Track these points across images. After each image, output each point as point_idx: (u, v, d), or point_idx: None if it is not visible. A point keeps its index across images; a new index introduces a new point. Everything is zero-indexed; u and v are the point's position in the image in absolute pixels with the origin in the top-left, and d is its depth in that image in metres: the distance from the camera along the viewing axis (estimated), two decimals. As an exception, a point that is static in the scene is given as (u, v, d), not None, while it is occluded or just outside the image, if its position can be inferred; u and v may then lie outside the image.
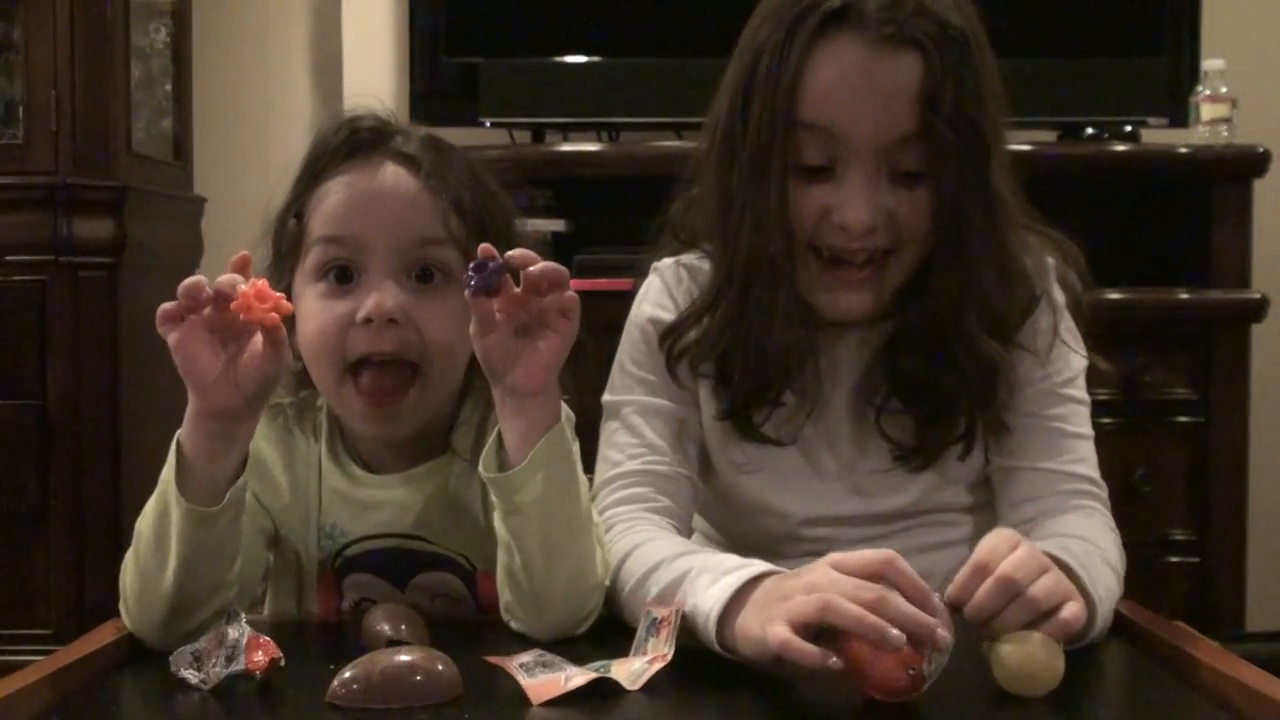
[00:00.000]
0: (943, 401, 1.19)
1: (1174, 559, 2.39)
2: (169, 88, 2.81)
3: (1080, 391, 1.25)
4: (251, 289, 0.98)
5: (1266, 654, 1.18)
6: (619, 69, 2.60)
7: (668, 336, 1.23)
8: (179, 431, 1.04)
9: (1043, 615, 0.93)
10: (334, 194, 1.16)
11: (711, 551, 1.07)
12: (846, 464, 1.24)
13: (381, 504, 1.20)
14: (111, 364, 2.47)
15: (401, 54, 2.76)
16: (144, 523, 1.06)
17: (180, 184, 2.82)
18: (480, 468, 1.06)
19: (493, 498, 1.07)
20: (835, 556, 0.92)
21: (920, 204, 1.13)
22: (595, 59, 2.62)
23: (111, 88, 2.51)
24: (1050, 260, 1.24)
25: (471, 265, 1.01)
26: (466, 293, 1.01)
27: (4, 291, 2.45)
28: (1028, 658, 0.90)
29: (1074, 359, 1.24)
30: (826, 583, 0.89)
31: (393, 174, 1.15)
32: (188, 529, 1.02)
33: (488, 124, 2.55)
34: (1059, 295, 1.24)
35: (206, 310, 1.01)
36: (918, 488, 1.23)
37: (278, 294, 0.99)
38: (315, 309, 1.14)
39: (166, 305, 1.02)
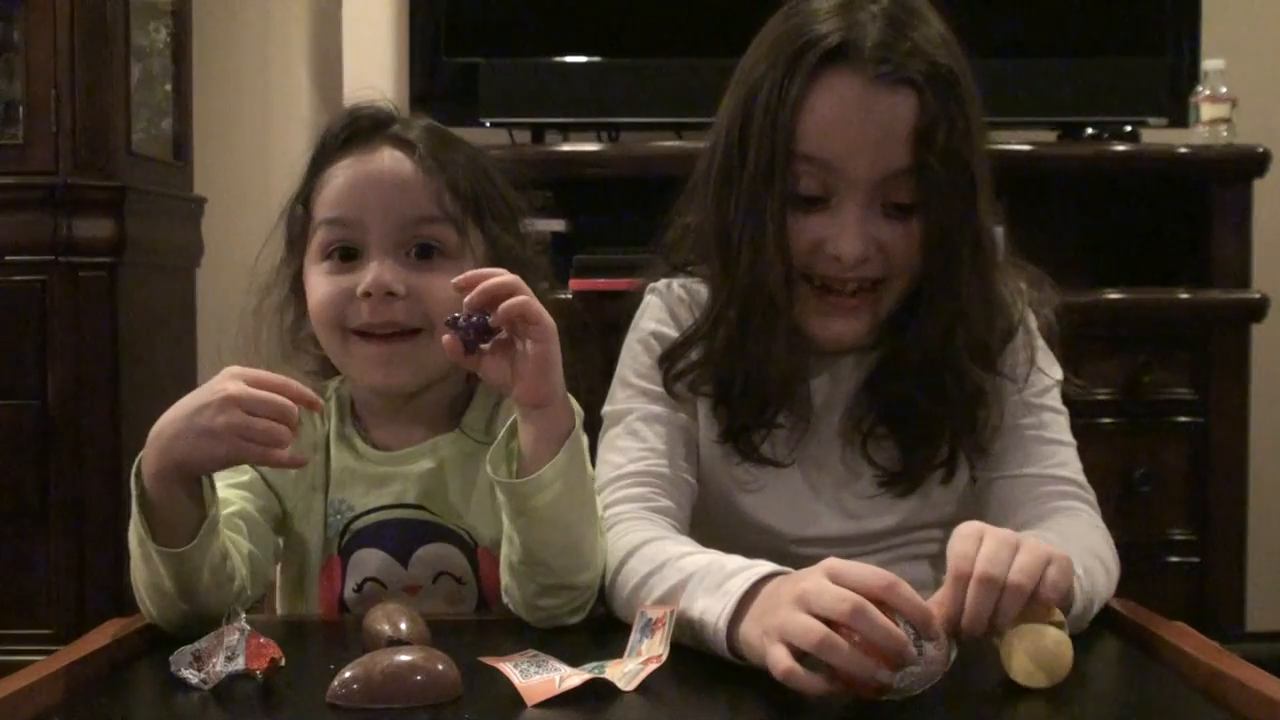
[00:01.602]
0: (927, 427, 1.22)
1: (1174, 559, 2.39)
2: (169, 88, 2.81)
3: (1055, 402, 1.27)
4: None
5: (1266, 654, 1.18)
6: (619, 69, 2.60)
7: (667, 358, 1.25)
8: (142, 485, 1.05)
9: (1032, 594, 0.93)
10: (335, 179, 1.22)
11: (713, 553, 1.07)
12: (836, 487, 1.26)
13: (388, 477, 1.24)
14: (111, 364, 2.47)
15: (401, 54, 2.76)
16: (132, 548, 1.08)
17: (180, 184, 2.82)
18: (488, 468, 1.08)
19: (500, 496, 1.08)
20: (835, 566, 0.91)
21: (911, 236, 1.17)
22: (595, 59, 2.62)
23: (111, 88, 2.51)
24: (1022, 285, 1.28)
25: (446, 321, 1.04)
26: (451, 346, 1.04)
27: (4, 291, 2.45)
28: (1038, 651, 0.90)
29: (1047, 374, 1.27)
30: (815, 592, 0.89)
31: (389, 157, 1.21)
32: (171, 565, 1.05)
33: (488, 124, 2.55)
34: (1031, 320, 1.28)
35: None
36: (903, 510, 1.25)
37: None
38: (320, 284, 1.21)
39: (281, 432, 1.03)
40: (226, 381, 1.04)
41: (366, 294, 1.17)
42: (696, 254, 1.28)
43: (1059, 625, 0.93)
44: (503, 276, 1.03)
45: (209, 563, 1.06)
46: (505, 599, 1.14)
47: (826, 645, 0.86)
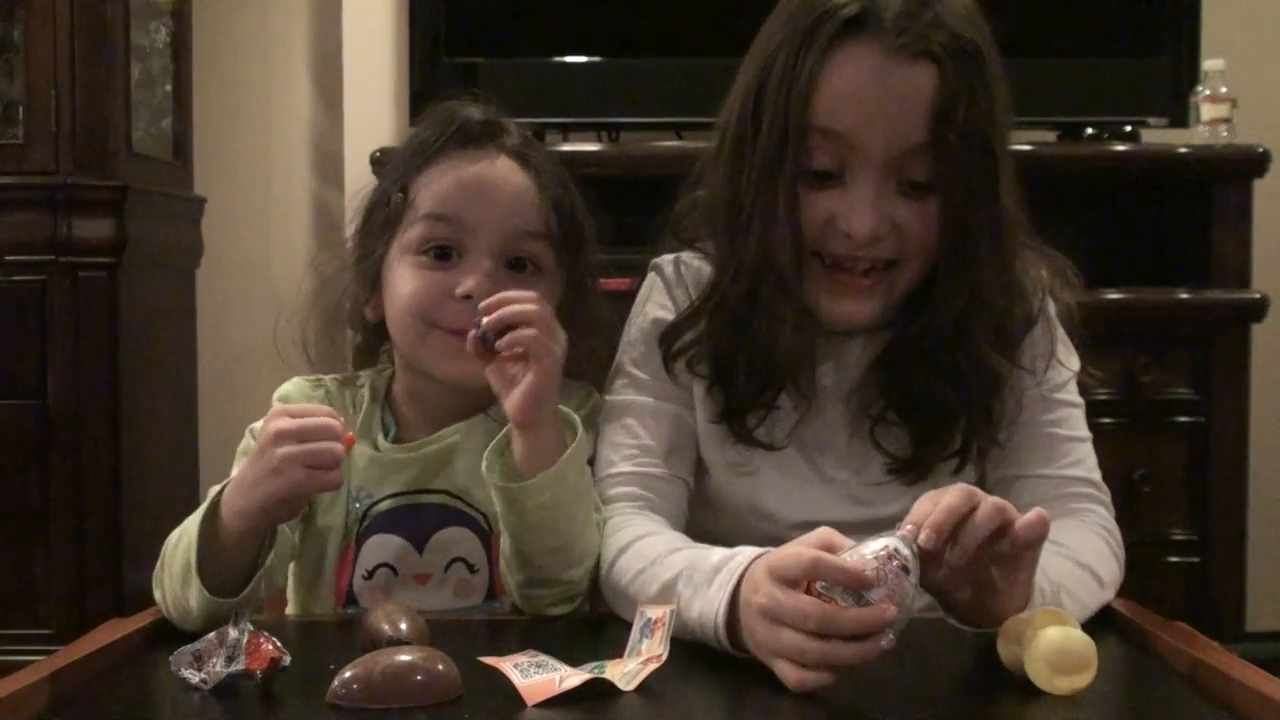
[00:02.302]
0: (941, 415, 1.20)
1: (1174, 559, 2.39)
2: (169, 88, 2.81)
3: (1073, 395, 1.26)
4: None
5: (1266, 654, 1.18)
6: (619, 69, 2.60)
7: (667, 336, 1.24)
8: (225, 503, 1.09)
9: (1005, 525, 0.94)
10: (446, 176, 1.22)
11: (696, 549, 1.08)
12: (840, 472, 1.24)
13: (408, 463, 1.25)
14: (111, 364, 2.46)
15: (401, 54, 2.76)
16: (172, 567, 1.10)
17: (180, 184, 2.81)
18: (484, 465, 1.11)
19: (491, 492, 1.11)
20: (773, 564, 0.92)
21: (927, 215, 1.14)
22: (595, 59, 2.62)
23: (111, 88, 2.50)
24: (1043, 273, 1.25)
25: (475, 321, 1.11)
26: (472, 344, 1.12)
27: (4, 291, 2.44)
28: (1055, 653, 0.90)
29: (1066, 363, 1.25)
30: (774, 607, 0.90)
31: (505, 166, 1.23)
32: (211, 606, 1.07)
33: (487, 124, 2.54)
34: (1051, 308, 1.25)
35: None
36: (911, 498, 1.23)
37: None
38: (412, 277, 1.21)
39: (314, 482, 1.08)
40: (273, 422, 1.07)
41: (466, 297, 1.18)
42: (705, 229, 1.26)
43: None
44: (522, 307, 1.10)
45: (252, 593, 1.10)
46: (503, 570, 1.18)
47: (828, 660, 0.88)
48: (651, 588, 1.07)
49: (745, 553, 1.00)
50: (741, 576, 0.97)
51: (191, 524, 1.10)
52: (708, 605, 0.98)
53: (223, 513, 1.09)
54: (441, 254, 1.21)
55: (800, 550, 0.91)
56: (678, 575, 1.04)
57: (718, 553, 1.03)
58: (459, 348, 1.19)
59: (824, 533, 0.94)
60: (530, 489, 1.09)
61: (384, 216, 1.25)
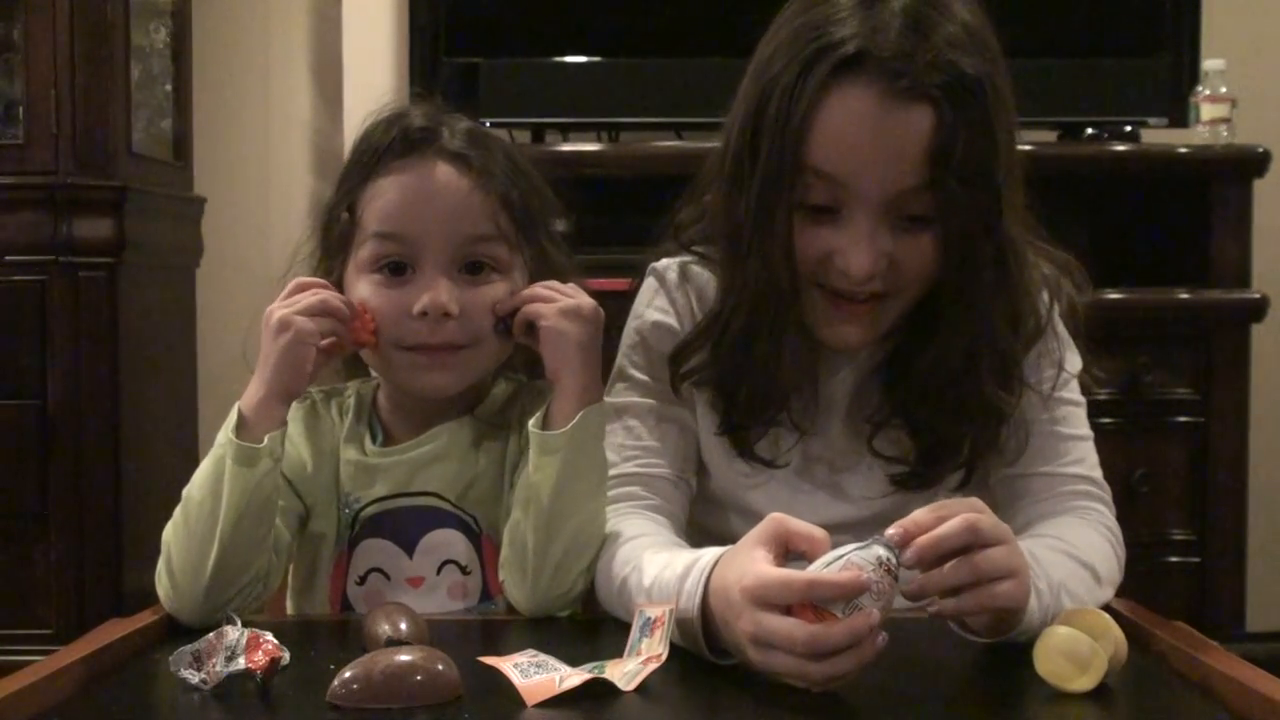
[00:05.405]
0: (947, 445, 1.20)
1: (1174, 559, 2.40)
2: (169, 88, 2.81)
3: (1074, 393, 1.25)
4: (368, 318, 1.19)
5: (1266, 654, 1.18)
6: (619, 69, 2.60)
7: (676, 358, 1.24)
8: (240, 403, 1.15)
9: (979, 583, 0.94)
10: (388, 192, 1.21)
11: (672, 553, 1.08)
12: (843, 482, 1.24)
13: (394, 466, 1.25)
14: (111, 364, 2.47)
15: (401, 54, 2.76)
16: (194, 488, 1.14)
17: (180, 184, 2.82)
18: (530, 422, 1.15)
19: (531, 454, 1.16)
20: (753, 591, 0.91)
21: (924, 248, 1.12)
22: (595, 59, 2.62)
23: (111, 88, 2.51)
24: (1046, 271, 1.24)
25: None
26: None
27: (4, 291, 2.45)
28: (1067, 651, 0.91)
29: (1067, 363, 1.24)
30: (764, 635, 0.90)
31: (445, 173, 1.21)
32: (238, 472, 1.11)
33: (488, 124, 2.55)
34: (1056, 312, 1.24)
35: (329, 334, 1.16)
36: (918, 502, 1.22)
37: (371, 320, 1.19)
38: (370, 297, 1.21)
39: (309, 325, 1.14)
40: (275, 314, 1.14)
41: (422, 313, 1.18)
42: (712, 236, 1.25)
43: (1104, 631, 0.94)
44: (517, 302, 1.19)
45: (268, 494, 1.13)
46: (501, 574, 1.18)
47: (835, 678, 0.89)
48: (639, 596, 1.07)
49: (706, 557, 1.00)
50: (707, 583, 0.97)
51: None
52: (681, 616, 0.98)
53: (243, 411, 1.13)
54: (396, 269, 1.20)
55: (788, 577, 0.90)
56: (651, 585, 1.05)
57: (680, 561, 1.03)
58: (425, 364, 1.20)
59: (776, 524, 0.95)
60: (555, 439, 1.13)
61: (337, 235, 1.25)
